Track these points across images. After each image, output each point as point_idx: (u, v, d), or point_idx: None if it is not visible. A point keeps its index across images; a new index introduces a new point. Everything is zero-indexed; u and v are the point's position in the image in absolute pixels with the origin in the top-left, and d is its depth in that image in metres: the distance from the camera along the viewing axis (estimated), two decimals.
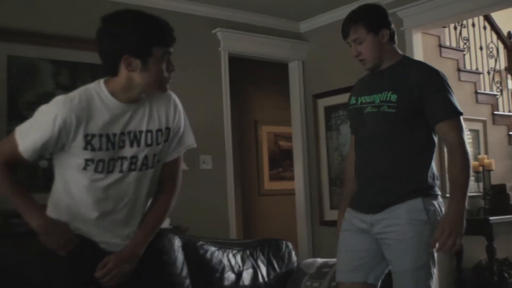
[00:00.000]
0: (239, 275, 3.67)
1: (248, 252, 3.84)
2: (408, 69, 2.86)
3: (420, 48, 5.54)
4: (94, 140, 2.30)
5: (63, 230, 2.39)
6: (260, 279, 3.71)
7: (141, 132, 2.39)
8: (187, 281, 3.55)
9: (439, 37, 5.97)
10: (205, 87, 5.73)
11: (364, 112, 2.85)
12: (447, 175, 3.09)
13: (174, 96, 2.55)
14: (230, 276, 3.66)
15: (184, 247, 3.66)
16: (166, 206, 2.60)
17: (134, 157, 2.37)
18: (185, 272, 3.56)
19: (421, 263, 2.73)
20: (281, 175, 8.18)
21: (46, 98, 4.65)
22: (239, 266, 3.73)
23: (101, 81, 2.41)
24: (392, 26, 2.94)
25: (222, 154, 5.75)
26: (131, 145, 2.36)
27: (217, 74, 5.83)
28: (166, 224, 4.42)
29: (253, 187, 7.98)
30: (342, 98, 5.97)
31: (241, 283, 3.61)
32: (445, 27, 6.07)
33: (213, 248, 3.74)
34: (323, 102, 6.23)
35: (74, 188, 2.41)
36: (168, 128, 2.48)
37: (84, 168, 2.33)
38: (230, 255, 3.75)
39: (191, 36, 5.66)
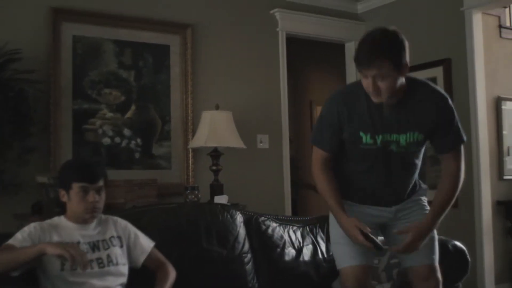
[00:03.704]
0: (299, 251, 3.71)
1: (308, 229, 3.88)
2: (421, 101, 2.78)
3: (480, 29, 5.49)
4: None
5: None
6: (320, 255, 3.74)
7: (98, 241, 2.92)
8: (249, 256, 3.62)
9: (499, 17, 5.87)
10: (263, 67, 5.79)
11: (387, 150, 2.82)
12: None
13: (119, 220, 3.10)
14: (290, 252, 3.71)
15: (246, 223, 3.73)
16: None
17: (99, 258, 2.86)
18: (246, 247, 3.63)
19: None
20: None
21: (110, 77, 4.86)
22: (299, 242, 3.78)
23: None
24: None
25: (278, 133, 5.82)
26: (93, 251, 2.86)
27: (274, 54, 5.88)
28: (224, 201, 4.51)
29: (307, 166, 8.00)
30: None
31: (301, 259, 3.65)
32: (505, 7, 5.96)
33: (274, 224, 3.79)
34: None
35: None
36: (119, 236, 3.00)
37: (61, 269, 2.76)
38: (291, 231, 3.80)
39: (250, 16, 5.73)
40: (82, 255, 2.59)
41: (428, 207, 3.01)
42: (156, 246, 3.11)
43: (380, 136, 2.77)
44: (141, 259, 3.03)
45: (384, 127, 2.77)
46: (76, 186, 2.82)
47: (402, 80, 2.69)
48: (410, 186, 3.01)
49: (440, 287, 2.95)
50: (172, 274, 3.04)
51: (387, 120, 2.76)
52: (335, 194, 2.92)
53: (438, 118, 2.79)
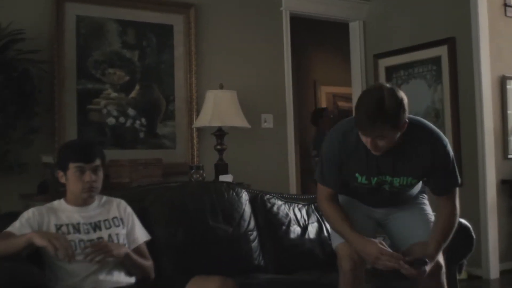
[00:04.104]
0: (304, 228, 3.73)
1: (313, 207, 3.89)
2: (418, 145, 2.80)
3: (485, 7, 5.47)
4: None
5: None
6: (325, 233, 3.75)
7: (99, 221, 2.97)
8: (254, 233, 3.64)
9: None
10: (267, 47, 5.77)
11: (381, 188, 2.91)
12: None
13: (123, 203, 3.13)
14: (296, 229, 3.72)
15: (251, 201, 3.74)
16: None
17: (100, 237, 2.90)
18: (252, 225, 3.65)
19: None
20: None
21: (114, 57, 4.85)
22: (305, 220, 3.80)
23: None
24: None
25: (283, 113, 5.81)
26: (94, 231, 2.91)
27: (278, 33, 5.85)
28: (229, 180, 4.52)
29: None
30: (404, 58, 5.99)
31: (306, 237, 3.67)
32: None
33: (279, 202, 3.80)
34: (384, 62, 6.21)
35: None
36: (121, 218, 3.03)
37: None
38: (296, 209, 3.82)
39: None
40: (66, 247, 2.59)
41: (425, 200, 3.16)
42: (151, 239, 3.15)
43: (376, 178, 2.85)
44: (130, 247, 3.02)
45: (379, 171, 2.83)
46: (72, 166, 2.87)
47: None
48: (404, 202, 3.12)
49: (441, 274, 2.91)
50: (149, 265, 3.03)
51: (383, 164, 2.81)
52: (347, 222, 2.89)
53: (434, 163, 2.82)
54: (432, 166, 2.83)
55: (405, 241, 3.01)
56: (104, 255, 2.74)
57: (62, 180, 2.95)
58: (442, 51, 5.67)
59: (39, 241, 2.59)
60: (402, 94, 2.65)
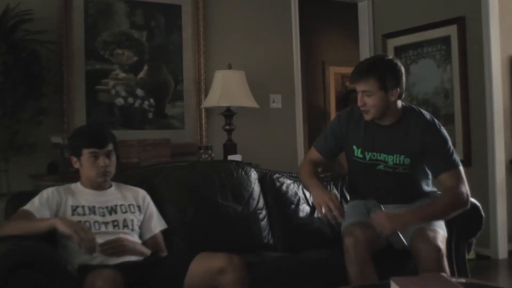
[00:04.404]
0: (313, 207, 3.73)
1: None
2: (412, 128, 3.02)
3: None
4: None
5: None
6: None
7: (115, 205, 3.01)
8: (264, 212, 3.65)
9: None
10: (275, 27, 5.75)
11: (376, 169, 3.08)
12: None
13: (142, 192, 3.18)
14: (305, 208, 3.73)
15: (260, 180, 3.75)
16: None
17: (115, 220, 2.94)
18: (261, 203, 3.66)
19: None
20: None
21: (122, 37, 4.84)
22: None
23: None
24: (403, 85, 3.00)
25: (291, 93, 5.80)
26: (110, 214, 2.95)
27: (287, 14, 5.82)
28: (238, 159, 4.52)
29: (320, 126, 8.02)
30: (413, 38, 5.96)
31: (315, 215, 3.68)
32: None
33: (288, 181, 3.81)
34: (393, 42, 6.18)
35: None
36: (139, 206, 3.08)
37: None
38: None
39: None
40: (90, 240, 2.63)
41: None
42: (166, 221, 3.20)
43: (370, 154, 3.06)
44: (146, 236, 3.08)
45: (374, 147, 3.05)
46: (86, 152, 2.94)
47: (394, 103, 2.97)
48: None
49: (440, 256, 2.89)
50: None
51: (378, 140, 3.03)
52: (315, 176, 3.17)
53: (425, 141, 2.97)
54: (424, 144, 2.97)
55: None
56: (118, 253, 2.81)
57: (76, 165, 3.01)
58: (451, 30, 5.63)
59: (64, 229, 2.63)
60: (398, 62, 2.98)
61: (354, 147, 3.09)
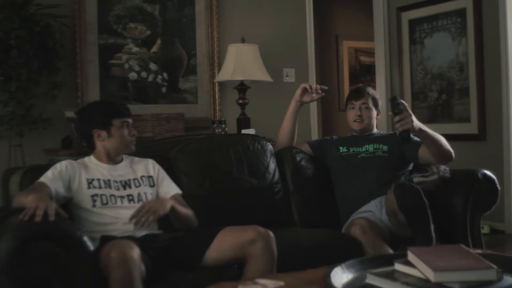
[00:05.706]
0: (330, 182, 3.73)
1: None
2: (385, 134, 3.82)
3: None
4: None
5: None
6: None
7: (129, 179, 3.04)
8: (279, 186, 3.65)
9: None
10: (289, 0, 5.71)
11: (358, 157, 3.60)
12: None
13: (151, 161, 3.20)
14: (322, 182, 3.73)
15: (276, 154, 3.75)
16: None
17: (130, 195, 2.97)
18: (277, 177, 3.65)
19: None
20: None
21: (135, 11, 4.82)
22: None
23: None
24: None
25: (305, 67, 5.77)
26: (124, 188, 2.98)
27: None
28: (252, 132, 4.51)
29: (334, 102, 8.00)
30: (428, 11, 5.90)
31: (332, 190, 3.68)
32: None
33: (307, 156, 3.81)
34: (408, 15, 6.12)
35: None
36: (150, 176, 3.10)
37: (93, 206, 2.90)
38: (321, 163, 3.81)
39: None
40: (40, 208, 2.50)
41: None
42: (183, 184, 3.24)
43: (353, 148, 3.65)
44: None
45: (357, 144, 3.66)
46: (117, 122, 2.99)
47: (375, 121, 3.73)
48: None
49: None
50: (192, 213, 3.04)
51: (362, 140, 3.67)
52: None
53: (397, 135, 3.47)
54: (396, 137, 3.50)
55: None
56: (152, 216, 2.74)
57: (100, 139, 2.99)
58: (467, 2, 5.57)
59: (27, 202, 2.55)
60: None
61: (340, 146, 3.70)
